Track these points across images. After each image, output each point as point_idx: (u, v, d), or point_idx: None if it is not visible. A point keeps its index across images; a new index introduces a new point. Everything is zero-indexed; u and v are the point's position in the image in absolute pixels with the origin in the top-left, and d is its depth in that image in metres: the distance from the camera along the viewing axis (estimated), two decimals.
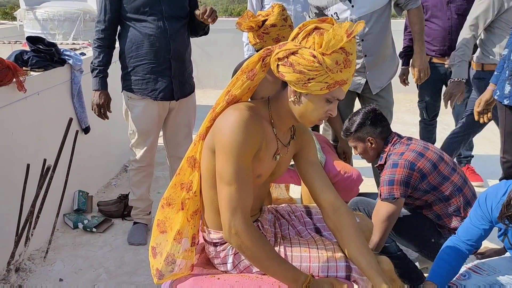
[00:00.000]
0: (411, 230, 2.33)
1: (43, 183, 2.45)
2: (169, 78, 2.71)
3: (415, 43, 3.06)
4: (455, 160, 2.40)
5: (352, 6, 2.83)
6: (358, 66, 2.96)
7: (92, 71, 2.72)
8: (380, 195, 2.21)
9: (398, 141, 2.32)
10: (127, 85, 2.75)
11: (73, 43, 4.16)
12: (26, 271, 2.64)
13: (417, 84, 3.44)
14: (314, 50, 1.45)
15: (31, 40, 3.05)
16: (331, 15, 2.88)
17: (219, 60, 7.09)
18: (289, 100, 1.56)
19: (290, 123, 1.65)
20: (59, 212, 2.83)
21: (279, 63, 1.51)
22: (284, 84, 1.59)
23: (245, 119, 1.49)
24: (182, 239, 1.65)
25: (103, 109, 2.77)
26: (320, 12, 2.98)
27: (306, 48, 1.46)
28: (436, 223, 2.28)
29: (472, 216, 1.87)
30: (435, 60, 3.61)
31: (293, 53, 1.47)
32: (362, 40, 2.90)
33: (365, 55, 2.94)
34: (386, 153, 2.32)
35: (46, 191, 2.62)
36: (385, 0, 2.89)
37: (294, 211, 1.91)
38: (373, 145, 2.34)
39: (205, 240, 1.74)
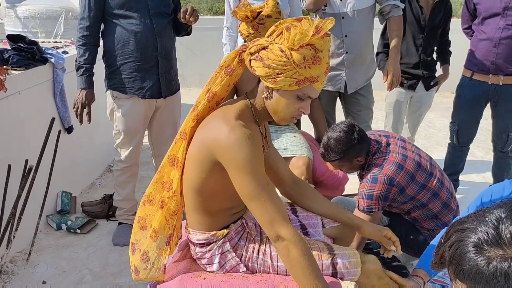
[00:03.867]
0: (391, 227, 2.32)
1: (24, 184, 2.40)
2: (157, 76, 2.67)
3: (392, 49, 3.05)
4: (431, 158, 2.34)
5: (340, 0, 2.83)
6: (337, 62, 2.96)
7: (77, 69, 2.65)
8: (358, 206, 2.19)
9: (378, 150, 2.22)
10: (112, 84, 2.71)
11: (55, 42, 4.09)
12: (9, 274, 2.59)
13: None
14: (283, 45, 1.47)
15: (12, 38, 2.99)
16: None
17: (204, 58, 7.05)
18: (262, 96, 1.58)
19: (268, 118, 1.66)
20: (42, 213, 2.78)
21: (251, 57, 1.53)
22: (259, 80, 1.61)
23: (246, 134, 1.48)
24: (158, 237, 1.66)
25: (87, 108, 2.69)
26: None
27: (276, 43, 1.48)
28: (414, 226, 2.29)
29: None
30: (476, 76, 3.15)
31: (264, 48, 1.50)
32: (346, 36, 2.90)
33: (346, 52, 2.94)
34: (367, 162, 2.24)
35: (28, 192, 2.57)
36: (369, 1, 2.91)
37: None
38: (361, 162, 2.25)
39: (190, 241, 1.72)
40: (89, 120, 2.73)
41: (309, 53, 1.46)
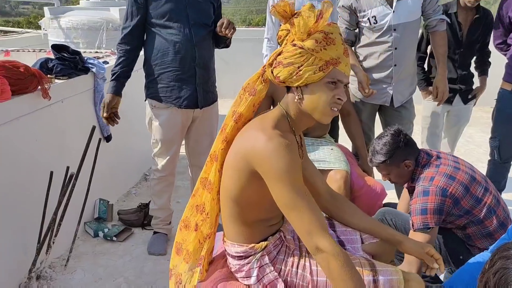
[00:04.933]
0: (441, 245, 2.25)
1: (65, 191, 2.44)
2: (194, 86, 2.69)
3: (439, 65, 3.02)
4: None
5: (394, 11, 2.80)
6: (385, 75, 2.93)
7: (111, 75, 2.70)
8: (413, 225, 2.09)
9: (427, 162, 2.18)
10: (151, 93, 2.74)
11: (96, 52, 4.19)
12: (47, 279, 2.63)
13: (492, 117, 3.27)
14: (293, 41, 1.52)
15: (56, 48, 3.07)
16: (368, 19, 2.84)
17: (238, 70, 7.08)
18: (295, 100, 1.58)
19: (306, 124, 1.66)
20: (81, 220, 2.83)
21: (272, 68, 1.56)
22: (288, 89, 1.62)
23: (284, 143, 1.48)
24: (191, 259, 1.68)
25: (113, 109, 2.70)
26: (352, 16, 2.93)
27: (288, 44, 1.54)
28: (466, 243, 2.20)
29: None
30: None
31: (279, 54, 1.55)
32: (396, 48, 2.86)
33: (395, 65, 2.90)
34: (417, 175, 2.19)
35: (68, 199, 2.62)
36: (418, 13, 2.88)
37: None
38: (410, 168, 2.20)
39: (227, 253, 1.71)
40: (115, 121, 2.76)
41: (319, 37, 1.49)
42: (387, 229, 1.86)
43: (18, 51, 4.36)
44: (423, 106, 3.47)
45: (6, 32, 7.21)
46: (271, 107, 2.80)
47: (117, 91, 2.70)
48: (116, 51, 2.73)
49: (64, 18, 4.83)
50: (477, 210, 2.10)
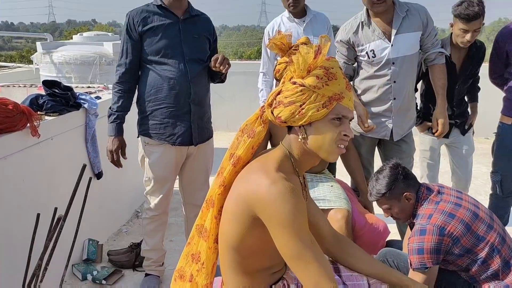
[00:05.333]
0: (445, 287, 2.15)
1: (52, 235, 2.31)
2: (188, 122, 2.61)
3: (439, 97, 2.98)
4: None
5: (392, 45, 2.77)
6: (384, 109, 2.88)
7: (109, 116, 2.63)
8: (411, 264, 2.03)
9: (427, 198, 2.13)
10: (143, 130, 2.66)
11: (88, 87, 4.12)
12: None
13: (492, 151, 3.25)
14: (292, 78, 1.47)
15: (47, 84, 3.00)
16: (366, 53, 2.81)
17: (231, 102, 7.06)
18: (298, 140, 1.51)
19: (310, 164, 1.58)
20: (68, 264, 2.68)
21: (271, 109, 1.51)
22: (290, 129, 1.56)
23: (289, 188, 1.40)
24: None
25: (115, 155, 2.66)
26: (351, 50, 2.89)
27: (287, 82, 1.48)
28: (471, 285, 2.10)
29: None
30: None
31: (279, 93, 1.49)
32: (394, 81, 2.82)
33: (394, 98, 2.86)
34: (417, 211, 2.14)
35: (55, 243, 2.49)
36: (416, 47, 2.86)
37: None
38: (410, 201, 2.15)
39: None
40: (120, 165, 2.72)
41: (320, 73, 1.44)
42: (395, 273, 1.76)
43: (8, 86, 4.30)
44: (420, 140, 3.42)
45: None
46: (268, 142, 2.72)
47: (121, 133, 2.66)
48: (113, 90, 2.66)
49: (57, 53, 4.78)
50: (478, 249, 2.02)
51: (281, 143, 1.59)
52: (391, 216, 2.25)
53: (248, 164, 1.56)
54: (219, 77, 2.73)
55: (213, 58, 2.54)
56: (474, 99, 3.44)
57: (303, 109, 1.45)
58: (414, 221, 2.13)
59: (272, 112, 1.51)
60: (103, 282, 2.93)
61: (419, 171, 3.68)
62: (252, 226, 1.44)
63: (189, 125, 2.61)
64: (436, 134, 3.03)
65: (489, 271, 2.04)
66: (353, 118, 1.54)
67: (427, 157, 3.43)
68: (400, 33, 2.77)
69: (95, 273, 3.00)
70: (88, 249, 3.19)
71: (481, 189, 4.61)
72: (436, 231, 1.99)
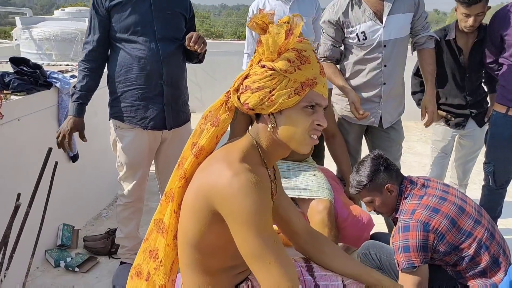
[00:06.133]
0: (429, 283, 2.02)
1: (11, 223, 2.17)
2: (161, 105, 2.44)
3: (427, 84, 2.84)
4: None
5: (384, 27, 2.60)
6: (373, 94, 2.72)
7: (72, 95, 2.45)
8: (398, 265, 1.91)
9: (411, 192, 2.02)
10: (114, 112, 2.49)
11: (67, 65, 3.94)
12: None
13: (485, 141, 3.13)
14: (261, 61, 1.35)
15: (15, 61, 2.82)
16: (357, 35, 2.64)
17: (224, 83, 6.87)
18: (267, 129, 1.36)
19: (280, 155, 1.44)
20: (35, 252, 2.54)
21: (238, 94, 1.38)
22: (258, 117, 1.41)
23: (252, 180, 1.26)
24: None
25: (67, 136, 2.42)
26: (339, 32, 2.69)
27: (255, 65, 1.36)
28: (457, 281, 1.97)
29: None
30: None
31: (246, 77, 1.37)
32: (385, 65, 2.66)
33: (384, 83, 2.70)
34: (400, 206, 2.03)
35: (21, 229, 2.35)
36: (408, 29, 2.71)
37: None
38: (393, 193, 2.04)
39: None
40: (70, 149, 2.49)
41: (292, 55, 1.31)
42: (373, 273, 1.63)
43: None
44: (433, 130, 3.30)
45: None
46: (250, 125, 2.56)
47: (81, 114, 2.45)
48: (78, 68, 2.47)
49: (36, 29, 4.57)
50: (466, 245, 1.90)
51: (248, 131, 1.44)
52: (374, 210, 2.12)
53: (211, 154, 1.41)
54: (196, 57, 2.55)
55: (187, 37, 2.35)
56: (493, 89, 3.26)
57: (272, 95, 1.31)
58: (397, 216, 2.01)
59: (238, 98, 1.36)
60: (76, 269, 2.81)
61: (428, 160, 3.55)
62: (212, 222, 1.31)
63: (161, 108, 2.44)
64: (424, 124, 2.89)
65: (477, 268, 1.93)
66: (327, 106, 1.39)
67: (438, 148, 3.32)
68: (392, 13, 2.60)
69: (68, 259, 2.88)
70: (63, 234, 3.06)
71: (475, 177, 4.47)
72: (420, 226, 1.87)
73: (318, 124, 1.35)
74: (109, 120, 2.57)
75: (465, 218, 1.93)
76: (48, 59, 4.68)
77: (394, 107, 2.81)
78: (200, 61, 2.62)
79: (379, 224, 2.69)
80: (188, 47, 2.35)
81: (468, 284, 1.94)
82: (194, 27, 2.62)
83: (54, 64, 3.91)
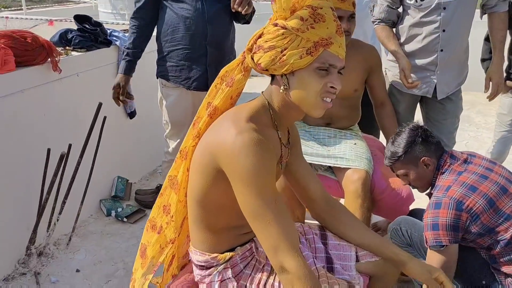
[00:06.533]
0: (460, 264, 1.90)
1: (57, 171, 2.34)
2: (205, 66, 2.47)
3: (495, 52, 2.61)
4: None
5: None
6: (428, 61, 2.55)
7: (123, 52, 2.56)
8: (426, 242, 1.81)
9: (449, 167, 1.87)
10: (161, 71, 2.56)
11: None
12: (48, 257, 2.57)
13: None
14: (275, 19, 1.30)
15: (78, 18, 2.97)
16: None
17: None
18: (280, 91, 1.33)
19: (294, 118, 1.42)
20: (83, 200, 2.74)
21: (251, 54, 1.32)
22: (272, 78, 1.38)
23: (255, 139, 1.24)
24: (146, 264, 1.52)
25: (115, 92, 2.59)
26: None
27: (269, 25, 1.31)
28: (490, 265, 1.85)
29: None
30: None
31: (260, 36, 1.33)
32: (444, 30, 2.46)
33: (441, 50, 2.50)
34: (436, 181, 1.89)
35: (73, 177, 2.54)
36: None
37: (306, 233, 1.62)
38: (429, 167, 1.90)
39: (191, 261, 1.50)
40: (118, 104, 2.68)
41: (305, 13, 1.26)
42: (391, 246, 1.58)
43: (61, 21, 4.36)
44: (500, 102, 3.05)
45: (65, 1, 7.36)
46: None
47: (128, 71, 2.57)
48: (129, 26, 2.56)
49: None
50: (502, 228, 1.75)
51: (262, 93, 1.42)
52: (409, 184, 2.01)
53: (223, 113, 1.42)
54: (243, 18, 2.53)
55: None
56: None
57: (284, 55, 1.27)
58: (432, 191, 1.90)
59: (252, 58, 1.34)
60: (124, 219, 2.98)
61: (491, 135, 3.32)
62: (217, 179, 1.32)
63: (205, 69, 2.47)
64: (488, 97, 2.67)
65: None
66: (343, 68, 1.33)
67: (503, 122, 3.06)
68: None
69: (119, 210, 3.06)
70: (117, 186, 3.25)
71: None
72: (453, 205, 1.74)
73: (331, 87, 1.30)
74: (156, 78, 2.65)
75: (507, 199, 1.78)
76: (122, 18, 4.87)
77: (453, 77, 2.61)
78: (248, 22, 2.60)
79: (421, 199, 2.56)
80: (233, 10, 2.34)
81: (502, 270, 1.81)
82: None
83: (124, 23, 4.06)
